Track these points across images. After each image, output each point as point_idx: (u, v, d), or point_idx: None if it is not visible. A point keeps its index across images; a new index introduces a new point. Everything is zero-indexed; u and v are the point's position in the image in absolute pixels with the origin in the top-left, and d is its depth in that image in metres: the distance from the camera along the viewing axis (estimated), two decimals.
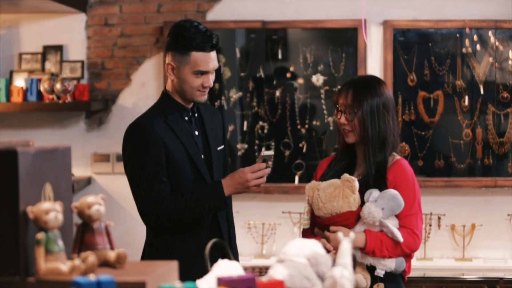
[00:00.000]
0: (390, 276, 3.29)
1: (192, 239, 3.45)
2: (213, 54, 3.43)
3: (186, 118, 3.50)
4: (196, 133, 3.51)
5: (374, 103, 3.33)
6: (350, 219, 3.23)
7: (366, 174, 3.32)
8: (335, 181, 3.27)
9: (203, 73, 3.41)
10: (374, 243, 3.20)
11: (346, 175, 3.25)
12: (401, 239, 3.20)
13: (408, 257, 3.32)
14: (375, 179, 3.29)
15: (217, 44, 3.44)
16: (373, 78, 3.48)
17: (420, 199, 3.37)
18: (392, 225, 3.22)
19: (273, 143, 3.57)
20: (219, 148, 3.57)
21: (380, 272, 3.23)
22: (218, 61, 5.28)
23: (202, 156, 3.49)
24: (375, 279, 3.26)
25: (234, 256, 3.43)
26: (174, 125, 3.44)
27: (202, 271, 2.46)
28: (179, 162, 3.42)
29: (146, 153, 3.39)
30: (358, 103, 3.32)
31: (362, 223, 3.24)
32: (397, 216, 3.26)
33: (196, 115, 3.54)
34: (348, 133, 3.37)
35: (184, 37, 3.38)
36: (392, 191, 3.22)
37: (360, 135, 3.34)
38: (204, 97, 3.46)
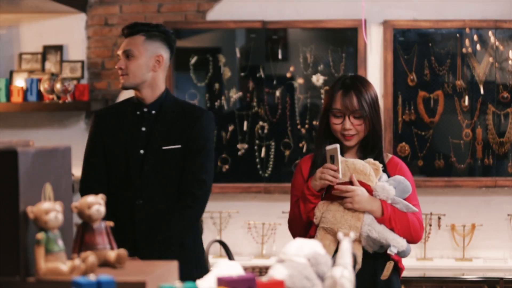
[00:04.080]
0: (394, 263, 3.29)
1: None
2: (129, 39, 3.59)
3: (138, 112, 3.59)
4: (143, 129, 3.57)
5: (373, 102, 3.32)
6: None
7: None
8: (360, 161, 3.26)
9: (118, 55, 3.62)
10: (390, 211, 3.18)
11: (371, 160, 3.24)
12: (415, 209, 3.21)
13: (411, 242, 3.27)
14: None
15: (132, 27, 3.60)
16: (363, 78, 3.47)
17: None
18: None
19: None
20: (167, 147, 3.54)
21: (393, 250, 3.17)
22: (218, 61, 5.35)
23: (142, 151, 3.54)
24: (377, 259, 3.24)
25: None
26: (122, 117, 3.60)
27: (202, 271, 2.46)
28: (113, 153, 3.56)
29: (90, 138, 3.64)
30: (365, 105, 3.27)
31: None
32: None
33: (153, 111, 3.58)
34: (351, 137, 3.31)
35: None
36: (400, 176, 3.25)
37: (367, 135, 3.32)
38: (122, 81, 3.59)
